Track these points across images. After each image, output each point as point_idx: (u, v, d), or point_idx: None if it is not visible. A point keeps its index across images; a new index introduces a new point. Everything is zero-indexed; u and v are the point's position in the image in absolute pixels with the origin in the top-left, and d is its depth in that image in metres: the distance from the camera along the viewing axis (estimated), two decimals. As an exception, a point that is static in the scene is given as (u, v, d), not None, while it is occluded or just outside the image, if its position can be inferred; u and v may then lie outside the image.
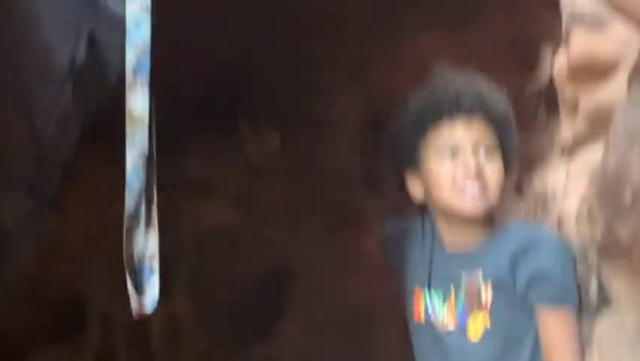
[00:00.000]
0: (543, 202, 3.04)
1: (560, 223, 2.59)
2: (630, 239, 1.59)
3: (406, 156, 2.23)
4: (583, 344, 2.01)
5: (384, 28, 3.26)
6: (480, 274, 2.17)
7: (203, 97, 3.49)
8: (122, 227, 1.89)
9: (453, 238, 2.24)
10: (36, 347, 3.78)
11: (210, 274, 3.79)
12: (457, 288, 2.21)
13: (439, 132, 2.17)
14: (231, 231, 3.87)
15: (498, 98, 2.24)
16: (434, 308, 2.26)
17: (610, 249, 1.74)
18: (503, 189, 2.18)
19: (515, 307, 2.13)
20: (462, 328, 2.19)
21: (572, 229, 2.18)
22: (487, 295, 2.15)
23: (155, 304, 1.90)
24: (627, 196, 1.59)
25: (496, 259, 2.15)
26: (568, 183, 2.62)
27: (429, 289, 2.27)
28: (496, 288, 2.15)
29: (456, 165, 2.14)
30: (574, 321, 2.05)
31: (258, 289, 3.99)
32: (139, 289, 1.89)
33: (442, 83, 2.21)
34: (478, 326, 2.17)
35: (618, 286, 1.80)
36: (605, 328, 1.85)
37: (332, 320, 4.01)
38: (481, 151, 2.15)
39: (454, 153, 2.16)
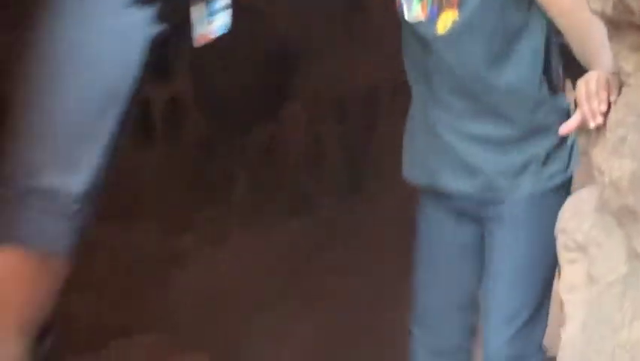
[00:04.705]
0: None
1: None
2: (642, 9, 1.52)
3: None
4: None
5: None
6: None
7: None
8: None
9: None
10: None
11: (212, 55, 3.73)
12: None
13: None
14: (234, 9, 3.78)
15: None
16: (409, 5, 2.42)
17: (621, 22, 1.66)
18: None
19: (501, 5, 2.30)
20: (432, 21, 2.37)
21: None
22: None
23: (225, 30, 2.14)
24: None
25: None
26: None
27: None
28: None
29: None
30: None
31: (261, 71, 3.94)
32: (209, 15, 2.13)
33: None
34: (446, 20, 2.34)
35: (628, 63, 1.74)
36: (619, 107, 1.79)
37: (337, 102, 3.99)
38: None
39: None
